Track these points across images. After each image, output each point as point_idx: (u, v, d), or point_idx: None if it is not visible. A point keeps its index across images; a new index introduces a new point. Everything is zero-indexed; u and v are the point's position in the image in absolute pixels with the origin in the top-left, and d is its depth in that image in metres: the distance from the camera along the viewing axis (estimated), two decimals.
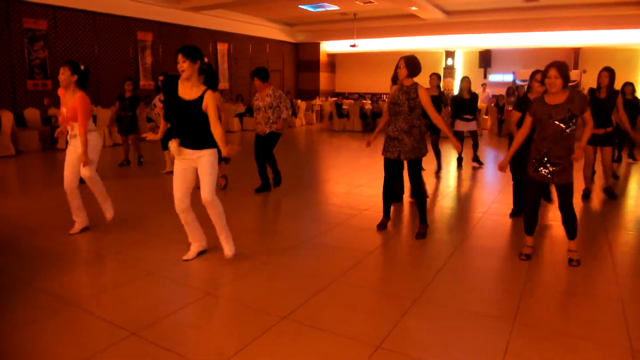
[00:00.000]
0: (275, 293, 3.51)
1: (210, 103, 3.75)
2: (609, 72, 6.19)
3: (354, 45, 18.55)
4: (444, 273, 3.95)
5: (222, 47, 16.90)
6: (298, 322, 3.05)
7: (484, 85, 17.69)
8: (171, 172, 7.77)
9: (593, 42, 16.11)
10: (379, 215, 5.66)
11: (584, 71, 15.90)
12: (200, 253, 4.23)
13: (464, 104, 8.80)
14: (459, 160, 9.06)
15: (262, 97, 6.58)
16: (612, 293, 3.59)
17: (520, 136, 4.25)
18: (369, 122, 16.04)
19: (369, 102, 16.88)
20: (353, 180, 7.61)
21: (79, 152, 4.64)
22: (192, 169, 3.96)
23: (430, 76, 8.15)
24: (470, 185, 7.83)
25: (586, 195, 6.68)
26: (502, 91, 15.90)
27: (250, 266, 4.00)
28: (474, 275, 4.00)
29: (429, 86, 7.76)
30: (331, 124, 16.65)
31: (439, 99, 7.98)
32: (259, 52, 18.85)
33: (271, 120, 6.55)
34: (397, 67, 4.67)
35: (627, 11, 13.97)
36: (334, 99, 20.41)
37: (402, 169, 5.06)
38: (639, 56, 16.59)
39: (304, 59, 21.31)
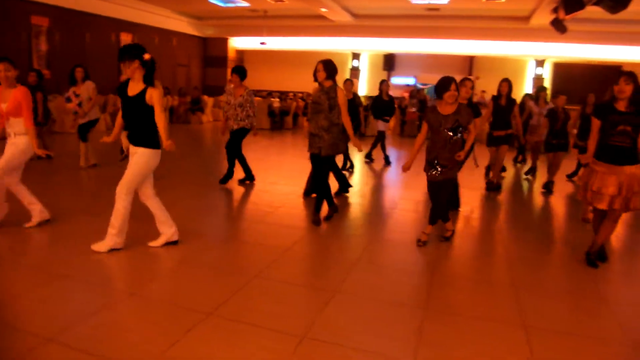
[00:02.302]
0: (198, 290, 3.50)
1: (154, 96, 3.93)
2: (508, 82, 7.09)
3: (263, 43, 18.56)
4: (360, 265, 4.17)
5: (125, 38, 16.09)
6: (224, 317, 3.09)
7: None
8: (94, 165, 7.45)
9: (485, 51, 17.48)
10: (294, 212, 5.82)
11: (477, 78, 17.21)
12: (168, 244, 4.31)
13: (385, 106, 9.42)
14: (386, 158, 9.70)
15: (235, 94, 6.88)
16: (505, 279, 4.01)
17: (418, 140, 4.80)
18: (276, 120, 16.10)
19: (278, 100, 16.95)
20: (266, 177, 7.67)
21: (19, 148, 4.43)
22: None
23: (345, 82, 8.61)
24: (378, 182, 8.23)
25: (497, 188, 7.46)
26: (404, 94, 16.75)
27: (171, 264, 3.96)
28: (386, 266, 4.26)
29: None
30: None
31: (354, 101, 8.51)
32: (165, 45, 18.20)
33: (239, 118, 6.87)
34: (316, 71, 5.04)
35: (515, 25, 15.35)
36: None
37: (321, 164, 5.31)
38: (524, 66, 18.30)
39: (212, 54, 20.91)
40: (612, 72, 17.73)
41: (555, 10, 11.15)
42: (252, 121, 6.94)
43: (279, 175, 7.91)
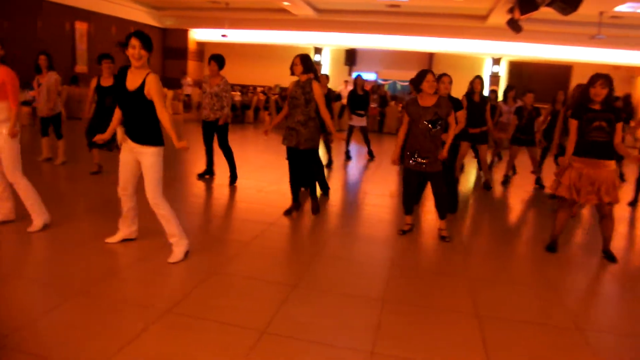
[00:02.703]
0: (156, 287, 3.46)
1: (153, 87, 3.57)
2: (481, 80, 7.26)
3: (224, 36, 18.31)
4: (320, 259, 4.21)
5: (80, 26, 15.56)
6: (182, 314, 3.06)
7: (346, 82, 18.60)
8: (48, 159, 7.18)
9: (445, 48, 17.81)
10: (254, 207, 5.80)
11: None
12: (125, 240, 4.17)
13: (358, 100, 9.56)
14: (347, 153, 9.90)
15: (211, 83, 6.69)
16: (461, 271, 4.13)
17: (401, 132, 4.84)
18: (238, 114, 15.92)
19: (239, 93, 16.74)
20: (226, 172, 7.59)
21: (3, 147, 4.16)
22: (135, 161, 3.81)
23: (320, 75, 8.59)
24: (342, 177, 8.29)
25: (489, 187, 7.71)
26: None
27: (128, 261, 3.88)
28: (346, 260, 4.32)
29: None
30: (199, 115, 16.24)
31: (328, 95, 8.61)
32: (123, 34, 17.54)
33: (215, 107, 6.68)
34: (293, 65, 5.07)
35: (473, 23, 15.70)
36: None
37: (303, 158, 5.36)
38: (481, 64, 18.75)
39: (172, 45, 20.47)
40: (564, 71, 18.38)
41: (511, 10, 11.46)
42: (226, 112, 6.77)
43: (239, 170, 7.83)
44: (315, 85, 5.10)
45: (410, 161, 4.72)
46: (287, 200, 5.56)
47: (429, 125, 4.57)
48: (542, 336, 3.12)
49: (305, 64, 5.09)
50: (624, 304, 3.85)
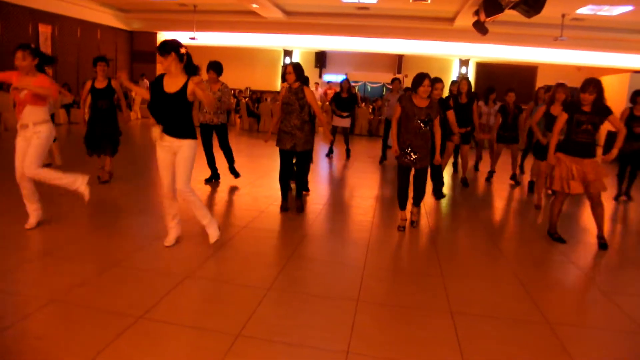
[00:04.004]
0: (128, 293, 3.40)
1: (196, 89, 3.97)
2: (468, 81, 7.66)
3: (193, 38, 18.13)
4: (294, 261, 4.21)
5: (44, 29, 15.18)
6: (156, 320, 3.02)
7: (316, 84, 18.68)
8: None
9: (413, 50, 18.04)
10: (228, 210, 5.77)
11: (406, 76, 17.76)
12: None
13: (341, 102, 10.10)
14: (330, 150, 10.49)
15: (212, 89, 6.75)
16: (435, 270, 4.19)
17: (394, 125, 5.13)
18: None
19: None
20: (196, 175, 7.52)
21: (33, 143, 4.40)
22: (174, 156, 4.16)
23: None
24: (323, 177, 8.30)
25: (466, 184, 8.00)
26: (336, 90, 16.98)
27: (98, 268, 3.80)
28: (320, 261, 4.33)
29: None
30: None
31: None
32: (88, 37, 17.35)
33: (219, 112, 6.82)
34: (286, 73, 5.40)
35: (440, 26, 15.95)
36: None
37: (293, 159, 5.73)
38: (450, 65, 19.08)
39: (139, 49, 20.17)
40: (530, 71, 18.80)
41: (476, 12, 11.69)
42: (223, 114, 6.94)
43: (210, 173, 7.79)
44: (307, 91, 5.43)
45: (403, 157, 5.03)
46: (259, 203, 5.55)
47: (421, 124, 4.95)
48: (513, 330, 3.18)
49: (298, 72, 5.40)
50: (592, 298, 3.97)
